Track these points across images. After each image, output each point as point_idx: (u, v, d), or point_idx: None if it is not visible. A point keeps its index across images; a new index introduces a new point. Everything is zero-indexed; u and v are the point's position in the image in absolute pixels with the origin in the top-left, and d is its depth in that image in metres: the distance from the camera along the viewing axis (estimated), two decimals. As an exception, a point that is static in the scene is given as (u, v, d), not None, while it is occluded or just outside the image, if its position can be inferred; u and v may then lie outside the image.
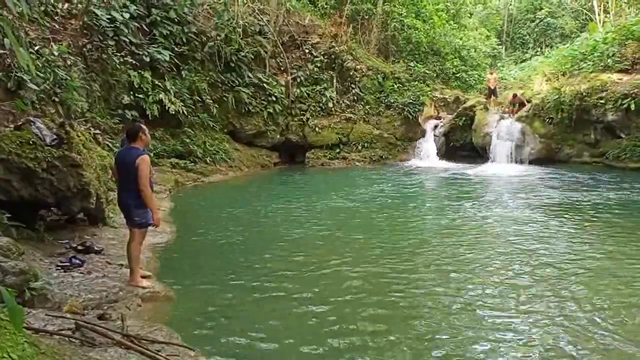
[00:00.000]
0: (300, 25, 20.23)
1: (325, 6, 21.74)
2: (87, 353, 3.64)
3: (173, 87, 15.62)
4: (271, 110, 18.34)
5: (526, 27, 38.99)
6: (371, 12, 23.59)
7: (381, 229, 9.14)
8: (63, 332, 3.92)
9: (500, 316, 5.13)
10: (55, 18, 13.17)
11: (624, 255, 7.11)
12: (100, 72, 13.78)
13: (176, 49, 16.17)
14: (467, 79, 25.59)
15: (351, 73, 20.05)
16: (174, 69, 16.09)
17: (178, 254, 7.64)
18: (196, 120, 16.40)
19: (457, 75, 25.12)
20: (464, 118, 19.97)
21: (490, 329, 4.85)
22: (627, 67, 18.19)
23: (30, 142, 6.53)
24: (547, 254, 7.20)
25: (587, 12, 35.15)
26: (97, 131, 11.40)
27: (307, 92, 19.44)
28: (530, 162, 18.06)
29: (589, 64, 19.26)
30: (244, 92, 17.55)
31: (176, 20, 16.21)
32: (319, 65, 19.67)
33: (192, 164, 15.42)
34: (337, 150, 19.51)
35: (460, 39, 27.41)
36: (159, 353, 3.87)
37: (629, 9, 29.16)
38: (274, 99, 18.43)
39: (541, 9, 38.01)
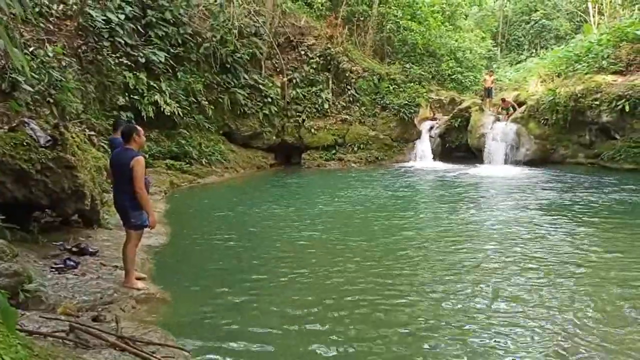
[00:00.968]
0: (296, 27, 20.25)
1: (321, 8, 21.78)
2: (81, 355, 3.62)
3: (168, 88, 15.60)
4: (267, 112, 18.35)
5: (521, 28, 39.15)
6: (367, 13, 23.64)
7: (377, 231, 9.09)
8: (57, 333, 3.91)
9: (494, 317, 5.15)
10: (50, 19, 13.13)
11: (617, 255, 7.14)
12: (96, 73, 13.75)
13: (172, 50, 16.15)
14: (463, 81, 25.66)
15: (347, 74, 20.08)
16: (170, 70, 16.07)
17: (173, 255, 7.62)
18: (192, 122, 16.39)
19: (453, 76, 25.19)
20: (459, 119, 20.02)
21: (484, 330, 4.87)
22: (621, 68, 18.27)
23: (25, 144, 6.51)
24: (541, 255, 7.23)
25: (582, 14, 35.31)
26: (92, 132, 11.39)
27: (303, 93, 19.46)
28: (526, 163, 18.11)
29: (583, 66, 19.33)
30: (239, 93, 17.55)
31: (172, 21, 16.19)
32: (314, 66, 19.69)
33: (188, 165, 15.40)
34: (333, 151, 19.53)
35: (456, 40, 27.50)
36: (154, 355, 3.86)
37: (623, 10, 29.31)
38: (269, 100, 18.45)
39: (536, 10, 38.17)
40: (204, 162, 15.98)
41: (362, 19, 23.81)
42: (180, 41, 16.44)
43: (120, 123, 8.44)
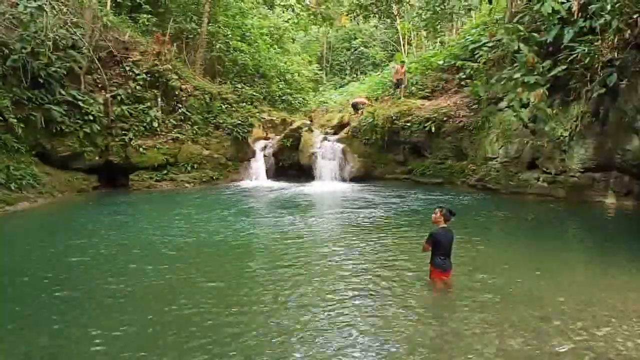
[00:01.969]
0: (120, 41, 19.08)
1: (147, 23, 20.88)
2: None
3: (-36, 103, 13.48)
4: (88, 130, 16.89)
5: (343, 54, 42.33)
6: (196, 31, 23.35)
7: (202, 256, 8.88)
8: None
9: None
10: None
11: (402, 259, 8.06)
12: None
13: (-32, 60, 14.03)
14: (293, 102, 26.75)
15: (177, 92, 19.48)
16: (-34, 83, 13.92)
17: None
18: (-4, 142, 14.36)
19: (283, 98, 26.12)
20: (291, 139, 20.79)
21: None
22: (427, 94, 20.83)
23: None
24: (351, 266, 7.90)
25: (394, 44, 39.42)
26: None
27: (130, 110, 18.34)
28: (351, 180, 19.50)
29: (397, 91, 21.57)
30: (55, 110, 15.89)
31: (-33, 27, 14.09)
32: (141, 83, 18.72)
33: (-8, 191, 13.40)
34: (165, 171, 18.70)
35: (285, 63, 28.60)
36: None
37: (427, 42, 33.52)
38: (91, 117, 17.00)
39: (355, 38, 41.62)
40: (13, 187, 14.04)
41: (191, 37, 23.43)
42: (-21, 51, 14.36)
43: None
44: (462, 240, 8.60)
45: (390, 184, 18.59)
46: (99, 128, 17.26)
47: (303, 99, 27.68)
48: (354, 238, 9.83)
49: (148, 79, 18.75)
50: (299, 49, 37.87)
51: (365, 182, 18.95)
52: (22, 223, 12.38)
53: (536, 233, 10.97)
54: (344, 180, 19.55)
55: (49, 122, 15.84)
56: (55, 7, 16.38)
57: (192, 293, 6.57)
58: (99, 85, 17.98)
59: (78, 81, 17.18)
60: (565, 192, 14.25)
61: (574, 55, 13.02)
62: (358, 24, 37.74)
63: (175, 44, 21.24)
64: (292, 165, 20.94)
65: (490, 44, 17.51)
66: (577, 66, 13.12)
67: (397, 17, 33.26)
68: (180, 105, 19.55)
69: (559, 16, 12.89)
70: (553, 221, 12.37)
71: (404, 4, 27.99)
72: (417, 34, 34.70)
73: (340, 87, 36.99)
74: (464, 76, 19.65)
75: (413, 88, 21.36)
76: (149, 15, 21.11)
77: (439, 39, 30.14)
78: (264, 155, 21.08)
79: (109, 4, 19.43)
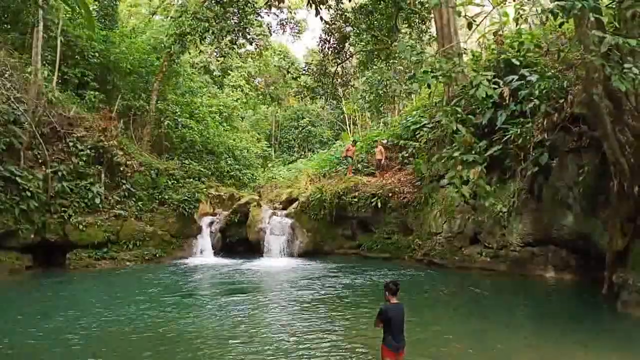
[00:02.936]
0: (64, 117, 18.77)
1: (94, 100, 20.78)
2: None
3: None
4: (24, 207, 16.10)
5: (291, 132, 43.44)
6: (144, 108, 23.41)
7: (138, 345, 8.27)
8: None
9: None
10: None
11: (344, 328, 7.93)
12: None
13: None
14: (241, 177, 26.84)
15: (122, 168, 19.12)
16: None
17: None
18: None
19: (232, 173, 26.19)
20: (239, 214, 20.61)
21: None
22: (372, 171, 21.44)
23: None
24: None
25: (340, 123, 40.92)
26: None
27: (71, 187, 17.73)
28: (300, 255, 19.32)
29: (344, 167, 22.12)
30: (-11, 186, 15.19)
31: None
32: (84, 159, 18.28)
33: None
34: (105, 249, 17.91)
35: (234, 140, 28.97)
36: None
37: (372, 122, 35.03)
38: (28, 194, 16.28)
39: (303, 118, 42.97)
40: None
41: (139, 113, 23.45)
42: None
43: None
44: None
45: (339, 259, 18.54)
46: (36, 204, 16.51)
47: (252, 174, 27.86)
48: (302, 321, 9.59)
49: (92, 154, 18.37)
50: (248, 127, 38.62)
51: (314, 258, 18.82)
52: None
53: (480, 309, 11.14)
54: (292, 255, 19.35)
55: (-19, 198, 15.06)
56: (-1, 82, 16.14)
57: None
58: (40, 161, 17.43)
59: (18, 156, 16.61)
60: (507, 266, 14.66)
61: (508, 136, 13.93)
62: (306, 104, 39.20)
63: (122, 120, 21.14)
64: (239, 241, 20.62)
65: (430, 125, 18.54)
66: (511, 146, 13.99)
67: (342, 98, 34.83)
68: (125, 181, 19.14)
69: (492, 100, 13.86)
70: (495, 296, 12.54)
71: (349, 87, 29.45)
72: (361, 114, 36.31)
73: (289, 163, 37.61)
74: (407, 154, 20.47)
75: (359, 165, 21.99)
76: (96, 92, 21.07)
77: (382, 120, 31.58)
78: (211, 231, 20.70)
79: (55, 80, 19.32)
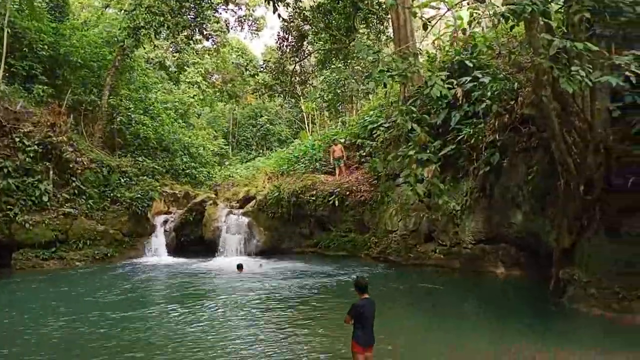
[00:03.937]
0: (11, 112, 17.93)
1: (42, 94, 19.93)
2: None
3: None
4: (-35, 205, 15.35)
5: (249, 130, 43.06)
6: (95, 103, 22.67)
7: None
8: None
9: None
10: None
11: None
12: None
13: None
14: (197, 175, 26.40)
15: (71, 165, 18.43)
16: None
17: None
18: None
19: (187, 171, 25.72)
20: (194, 213, 20.26)
21: None
22: (331, 169, 21.50)
23: None
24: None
25: (299, 122, 40.89)
26: None
27: (17, 184, 16.97)
28: (257, 254, 19.17)
29: (301, 166, 22.11)
30: None
31: None
32: (32, 155, 17.51)
33: None
34: (53, 249, 17.24)
35: (189, 137, 28.45)
36: None
37: (330, 121, 35.17)
38: (-30, 191, 15.53)
39: (261, 116, 42.68)
40: None
41: (90, 108, 22.67)
42: None
43: None
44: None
45: (296, 258, 18.50)
46: (-22, 203, 15.75)
47: (208, 172, 27.44)
48: (258, 322, 9.52)
49: (40, 150, 17.62)
50: (205, 124, 38.04)
51: (271, 256, 18.70)
52: None
53: (434, 304, 11.38)
54: (249, 254, 19.16)
55: None
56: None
57: None
58: (-18, 157, 16.60)
59: (-43, 152, 15.77)
60: (460, 263, 15.01)
61: (461, 136, 14.26)
62: (264, 102, 38.93)
63: (72, 116, 20.39)
64: (195, 240, 20.24)
65: (386, 125, 18.75)
66: (464, 146, 14.34)
67: (301, 97, 34.83)
68: (75, 179, 18.46)
69: (446, 101, 14.18)
70: (448, 291, 12.85)
71: (307, 85, 29.49)
72: (320, 113, 36.40)
73: (246, 161, 37.29)
74: (364, 153, 20.64)
75: (317, 164, 22.03)
76: (45, 86, 20.22)
77: (340, 119, 31.76)
78: (165, 230, 20.26)
79: (0, 73, 18.43)
